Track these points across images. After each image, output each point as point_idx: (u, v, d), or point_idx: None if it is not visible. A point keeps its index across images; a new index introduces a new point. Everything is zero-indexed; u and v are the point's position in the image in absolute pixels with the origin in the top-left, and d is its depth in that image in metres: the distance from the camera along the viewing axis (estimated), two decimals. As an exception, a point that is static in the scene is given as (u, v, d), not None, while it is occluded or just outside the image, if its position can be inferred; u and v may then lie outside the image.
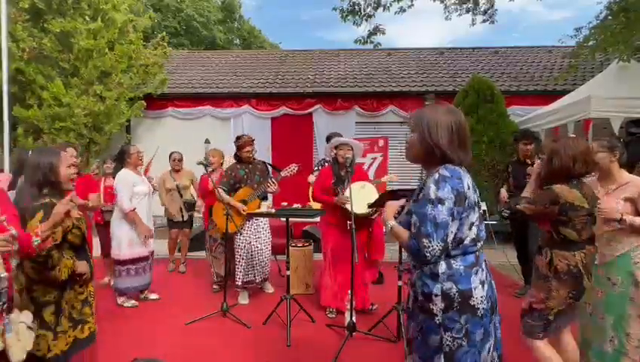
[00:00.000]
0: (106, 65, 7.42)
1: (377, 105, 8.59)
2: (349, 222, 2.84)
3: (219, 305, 3.69)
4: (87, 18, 7.36)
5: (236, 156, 4.24)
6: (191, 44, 19.26)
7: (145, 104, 8.18)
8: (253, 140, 4.24)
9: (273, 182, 3.95)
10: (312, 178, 3.94)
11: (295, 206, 4.48)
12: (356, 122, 8.60)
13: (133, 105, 8.02)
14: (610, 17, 6.55)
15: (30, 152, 2.33)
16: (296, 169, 4.01)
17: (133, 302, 3.99)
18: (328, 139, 4.30)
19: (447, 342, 1.47)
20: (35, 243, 1.74)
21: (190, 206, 5.27)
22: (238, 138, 4.25)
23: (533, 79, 8.81)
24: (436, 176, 1.46)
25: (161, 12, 18.54)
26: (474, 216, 1.50)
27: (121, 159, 4.04)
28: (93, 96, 7.37)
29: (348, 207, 3.45)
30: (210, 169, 4.35)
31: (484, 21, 8.72)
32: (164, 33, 9.41)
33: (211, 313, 3.64)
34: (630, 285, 2.25)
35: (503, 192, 4.34)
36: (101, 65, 7.36)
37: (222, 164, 4.84)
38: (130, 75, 7.78)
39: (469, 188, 1.49)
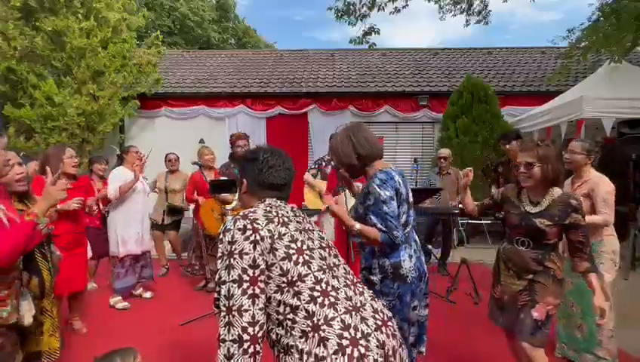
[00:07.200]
0: (99, 65, 7.35)
1: (372, 105, 8.60)
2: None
3: (213, 306, 3.66)
4: (79, 17, 7.28)
5: (231, 155, 4.23)
6: (185, 44, 19.14)
7: (139, 103, 8.12)
8: (248, 137, 4.24)
9: None
10: (307, 176, 3.93)
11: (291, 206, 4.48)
12: (351, 122, 8.60)
13: (127, 105, 7.94)
14: (601, 19, 6.63)
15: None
16: None
17: (125, 304, 3.96)
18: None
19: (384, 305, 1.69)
20: (42, 224, 1.76)
21: (172, 211, 5.06)
22: (232, 135, 4.30)
23: (527, 80, 8.88)
24: (377, 181, 1.75)
25: (155, 11, 18.40)
26: (404, 207, 1.85)
27: (121, 157, 4.18)
28: (86, 95, 7.30)
29: (307, 190, 3.72)
30: (203, 169, 4.34)
31: (478, 22, 8.81)
32: (158, 32, 9.34)
33: (206, 313, 3.62)
34: None
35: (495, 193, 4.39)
36: (94, 64, 7.29)
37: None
38: (123, 75, 7.71)
39: (400, 185, 1.82)
